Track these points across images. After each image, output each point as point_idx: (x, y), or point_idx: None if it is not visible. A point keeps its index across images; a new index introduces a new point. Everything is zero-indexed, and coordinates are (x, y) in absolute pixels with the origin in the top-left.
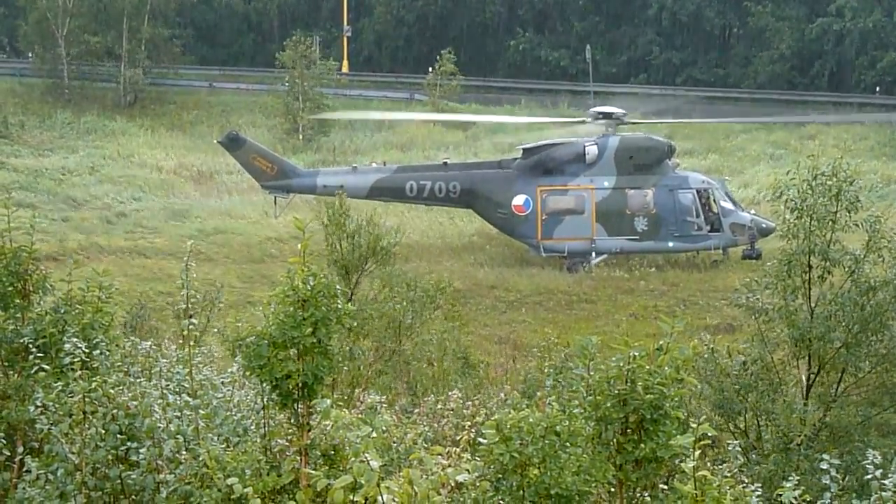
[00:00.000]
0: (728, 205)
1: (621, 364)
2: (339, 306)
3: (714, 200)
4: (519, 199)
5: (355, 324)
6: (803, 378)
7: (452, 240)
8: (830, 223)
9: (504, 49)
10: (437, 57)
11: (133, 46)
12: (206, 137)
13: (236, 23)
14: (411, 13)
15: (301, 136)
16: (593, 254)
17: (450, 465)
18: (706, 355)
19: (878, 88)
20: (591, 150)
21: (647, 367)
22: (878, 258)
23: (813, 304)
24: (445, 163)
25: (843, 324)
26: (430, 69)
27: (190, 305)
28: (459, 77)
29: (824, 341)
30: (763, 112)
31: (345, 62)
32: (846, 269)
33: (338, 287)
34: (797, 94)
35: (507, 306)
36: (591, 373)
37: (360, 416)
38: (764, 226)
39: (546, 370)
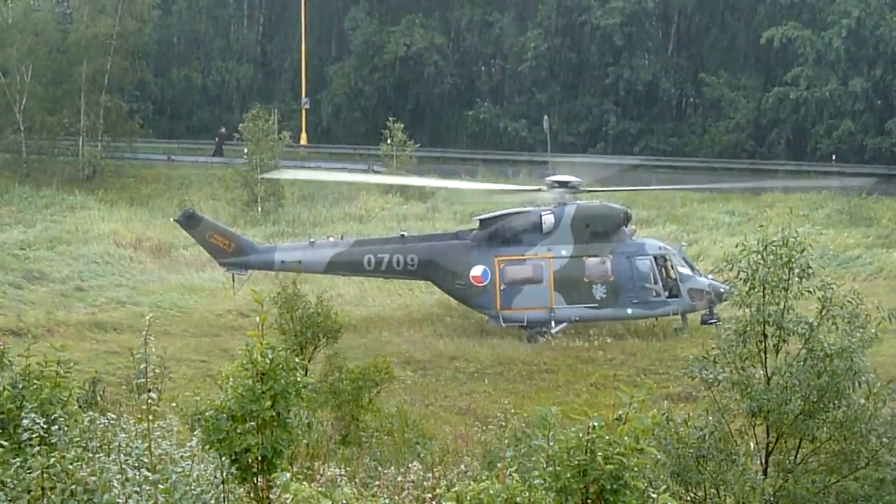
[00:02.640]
0: (686, 270)
1: (581, 434)
2: (298, 379)
3: (671, 266)
4: (477, 270)
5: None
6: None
7: (413, 311)
8: (783, 291)
9: (462, 120)
10: (386, 130)
11: (91, 121)
12: (165, 211)
13: (195, 96)
14: (369, 85)
15: (260, 209)
16: (553, 322)
17: None
18: (663, 425)
19: (833, 157)
20: (548, 219)
21: (607, 436)
22: (832, 325)
23: (769, 374)
24: (403, 235)
25: (800, 392)
26: (387, 140)
27: (148, 379)
28: (415, 147)
29: (781, 411)
30: (719, 180)
31: (303, 134)
32: (801, 338)
33: (296, 360)
34: (754, 163)
35: (468, 377)
36: (551, 443)
37: (320, 489)
38: (721, 290)
39: (506, 441)
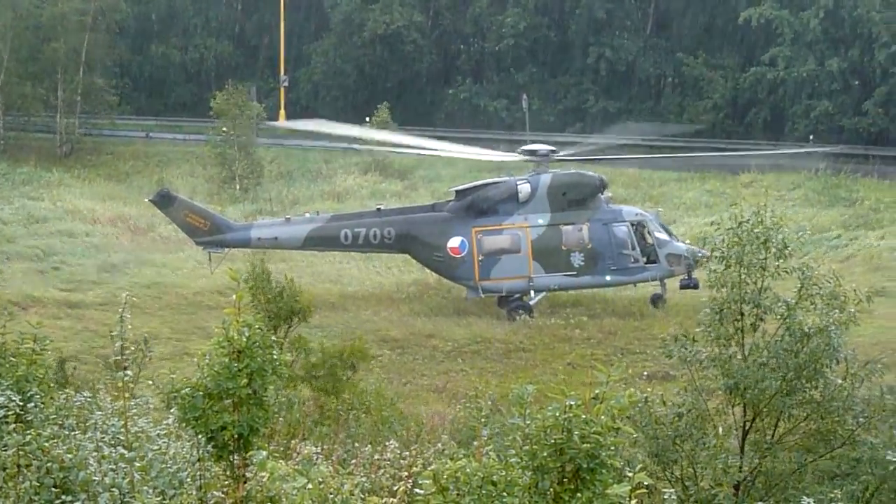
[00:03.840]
0: (663, 236)
1: (557, 413)
2: (275, 357)
3: (649, 232)
4: (454, 242)
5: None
6: (733, 424)
7: (390, 289)
8: (760, 270)
9: (442, 99)
10: (375, 109)
11: (68, 96)
12: (143, 188)
13: (173, 73)
14: (348, 63)
15: (238, 186)
16: (532, 292)
17: None
18: (640, 404)
19: (811, 137)
20: (524, 189)
21: (584, 416)
22: (810, 305)
23: (746, 352)
24: (379, 209)
25: (778, 371)
26: (367, 119)
27: (124, 357)
28: (395, 127)
29: (759, 389)
30: (698, 160)
31: (282, 112)
32: (779, 317)
33: (273, 338)
34: (731, 143)
35: (445, 356)
36: (528, 422)
37: (296, 467)
38: (699, 255)
39: (483, 420)
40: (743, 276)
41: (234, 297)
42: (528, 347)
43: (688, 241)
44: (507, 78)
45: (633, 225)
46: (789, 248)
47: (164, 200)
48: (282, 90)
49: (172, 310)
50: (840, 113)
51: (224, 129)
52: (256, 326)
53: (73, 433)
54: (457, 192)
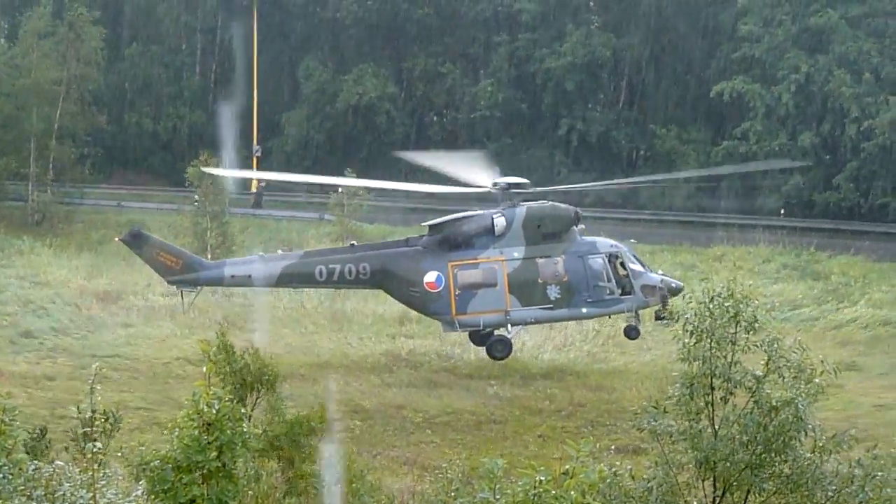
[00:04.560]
0: (637, 267)
1: (528, 488)
2: (245, 430)
3: (623, 264)
4: (430, 276)
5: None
6: (703, 499)
7: (360, 360)
8: (730, 344)
9: (415, 169)
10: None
11: (41, 167)
12: (115, 257)
13: (146, 142)
14: (321, 133)
15: (209, 256)
16: (509, 326)
17: None
18: (610, 478)
19: (782, 211)
20: (499, 222)
21: (554, 491)
22: (778, 378)
23: (717, 426)
24: (353, 245)
25: (747, 445)
26: (338, 190)
27: (93, 428)
28: (365, 196)
29: (728, 462)
30: (669, 233)
31: (254, 182)
32: (748, 390)
33: (242, 411)
34: (703, 216)
35: (415, 427)
36: (498, 497)
37: None
38: (674, 285)
39: (453, 494)
40: (713, 350)
41: (203, 368)
42: (499, 419)
43: (661, 272)
44: (479, 149)
45: (607, 257)
46: (759, 322)
47: (135, 240)
48: (255, 160)
49: (143, 379)
50: (811, 187)
51: (196, 198)
52: (226, 399)
53: None
54: (430, 226)
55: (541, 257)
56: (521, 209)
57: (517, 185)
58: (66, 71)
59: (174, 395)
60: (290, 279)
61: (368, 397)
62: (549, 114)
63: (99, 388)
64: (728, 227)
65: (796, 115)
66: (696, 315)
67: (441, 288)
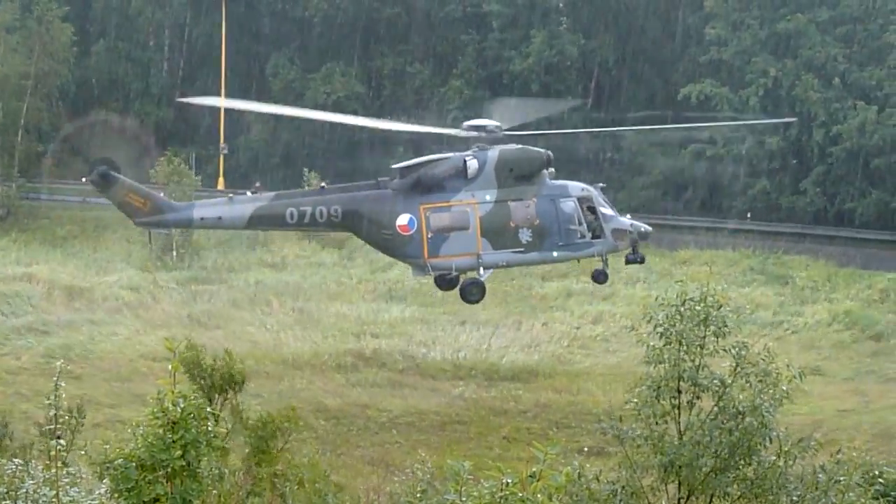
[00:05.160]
0: (608, 211)
1: (494, 491)
2: (210, 429)
3: (594, 207)
4: (403, 219)
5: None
6: (667, 502)
7: (325, 358)
8: (699, 348)
9: (381, 169)
10: (304, 175)
11: (5, 162)
12: (80, 253)
13: (112, 138)
14: (288, 132)
15: (175, 254)
16: (481, 269)
17: None
18: (575, 481)
19: (749, 215)
20: (472, 165)
21: (520, 493)
22: (745, 384)
23: (682, 430)
24: (323, 187)
25: (712, 449)
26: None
27: (57, 425)
28: None
29: (693, 467)
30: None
31: (220, 179)
32: (714, 395)
33: (208, 409)
34: (670, 219)
35: (380, 427)
36: (464, 499)
37: None
38: (643, 230)
39: (418, 495)
40: (682, 354)
41: (169, 366)
42: (464, 420)
43: (629, 216)
44: (448, 149)
45: (578, 200)
46: (728, 327)
47: (103, 180)
48: (221, 157)
49: (107, 376)
50: (777, 191)
51: (162, 195)
52: (192, 398)
53: (3, 502)
54: (401, 169)
55: (512, 200)
56: (494, 152)
57: (488, 128)
58: (34, 66)
59: (138, 392)
60: (261, 221)
61: (333, 396)
62: None
63: (63, 384)
64: (694, 231)
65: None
66: (666, 317)
67: (413, 231)
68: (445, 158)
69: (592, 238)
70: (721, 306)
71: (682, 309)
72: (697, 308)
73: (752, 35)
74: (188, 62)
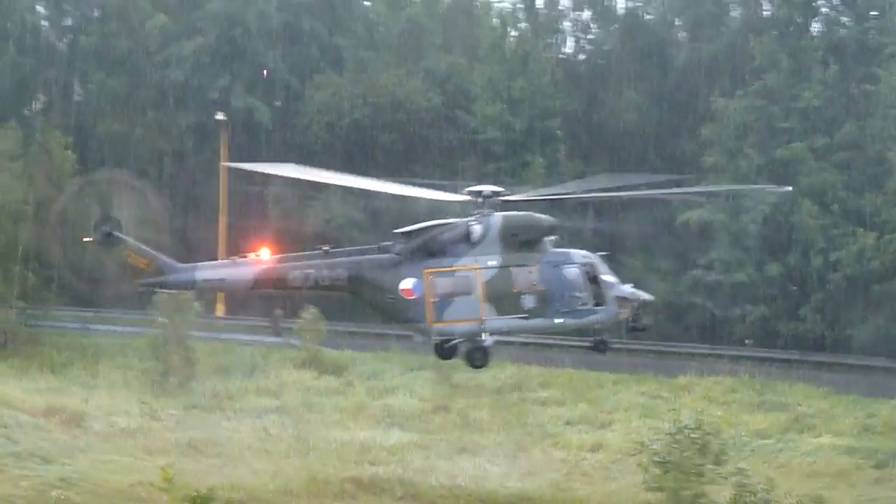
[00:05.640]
0: (610, 278)
1: None
2: None
3: (597, 275)
4: (407, 283)
5: None
6: None
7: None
8: (697, 476)
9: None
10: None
11: (4, 288)
12: (79, 380)
13: (114, 266)
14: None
15: (173, 381)
16: (483, 335)
17: None
18: None
19: (748, 341)
20: (476, 230)
21: None
22: None
23: None
24: (326, 251)
25: None
26: (301, 317)
27: None
28: (326, 323)
29: None
30: (634, 362)
31: (219, 305)
32: None
33: None
34: (669, 346)
35: None
36: None
37: None
38: (643, 298)
39: None
40: (680, 482)
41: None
42: None
43: (631, 285)
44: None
45: (581, 266)
46: (726, 455)
47: (106, 241)
48: None
49: (106, 503)
50: (776, 318)
51: (161, 321)
52: None
53: None
54: (403, 234)
55: (516, 266)
56: (497, 217)
57: (493, 194)
58: (33, 192)
59: None
60: (265, 284)
61: None
62: None
63: None
64: (694, 357)
65: (762, 246)
66: (663, 446)
67: (417, 295)
68: (449, 223)
69: (595, 306)
70: (719, 433)
71: (678, 437)
72: (694, 436)
73: (749, 163)
74: (189, 188)
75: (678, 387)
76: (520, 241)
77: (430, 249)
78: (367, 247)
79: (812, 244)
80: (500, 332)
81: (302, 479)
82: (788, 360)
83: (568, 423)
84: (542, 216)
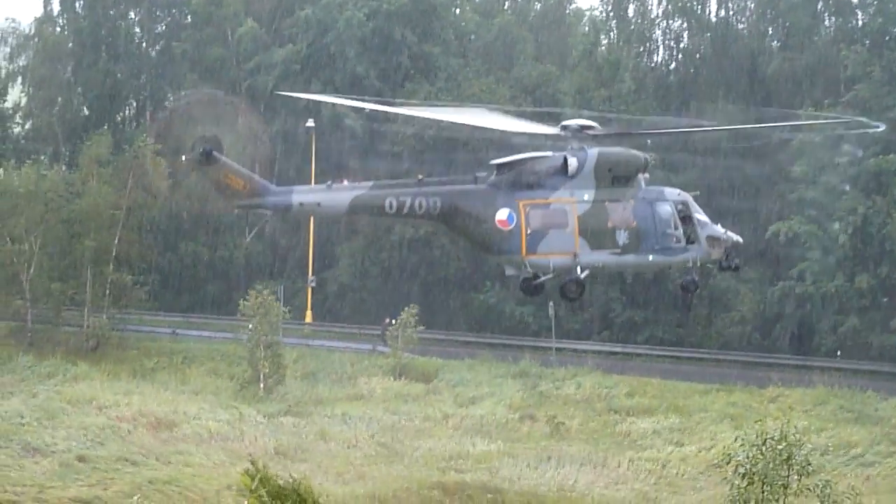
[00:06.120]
0: (703, 217)
1: None
2: None
3: (690, 213)
4: (502, 214)
5: None
6: None
7: (410, 492)
8: (782, 488)
9: (468, 303)
10: (402, 311)
11: (97, 293)
12: (168, 385)
13: (202, 270)
14: (375, 265)
15: (262, 386)
16: (578, 268)
17: None
18: None
19: (839, 353)
20: (572, 163)
21: None
22: None
23: None
24: (421, 179)
25: None
26: (392, 321)
27: None
28: (419, 329)
29: None
30: (724, 372)
31: (308, 312)
32: None
33: None
34: (758, 356)
35: None
36: None
37: None
38: (735, 239)
39: None
40: (765, 494)
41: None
42: None
43: (720, 225)
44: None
45: (675, 205)
46: (812, 466)
47: (206, 159)
48: (309, 290)
49: None
50: (868, 329)
51: (251, 327)
52: None
53: None
54: (498, 165)
55: (611, 201)
56: (593, 151)
57: (587, 127)
58: (126, 198)
59: None
60: (360, 209)
61: None
62: None
63: None
64: (783, 368)
65: (853, 257)
66: (748, 458)
67: (512, 226)
68: (545, 156)
69: (687, 244)
70: (804, 444)
71: (763, 448)
72: (779, 447)
73: (841, 173)
74: None
75: (767, 398)
76: (615, 175)
77: (525, 181)
78: (461, 177)
79: None
80: (593, 267)
81: (388, 486)
82: (880, 373)
83: (655, 432)
84: (638, 152)
